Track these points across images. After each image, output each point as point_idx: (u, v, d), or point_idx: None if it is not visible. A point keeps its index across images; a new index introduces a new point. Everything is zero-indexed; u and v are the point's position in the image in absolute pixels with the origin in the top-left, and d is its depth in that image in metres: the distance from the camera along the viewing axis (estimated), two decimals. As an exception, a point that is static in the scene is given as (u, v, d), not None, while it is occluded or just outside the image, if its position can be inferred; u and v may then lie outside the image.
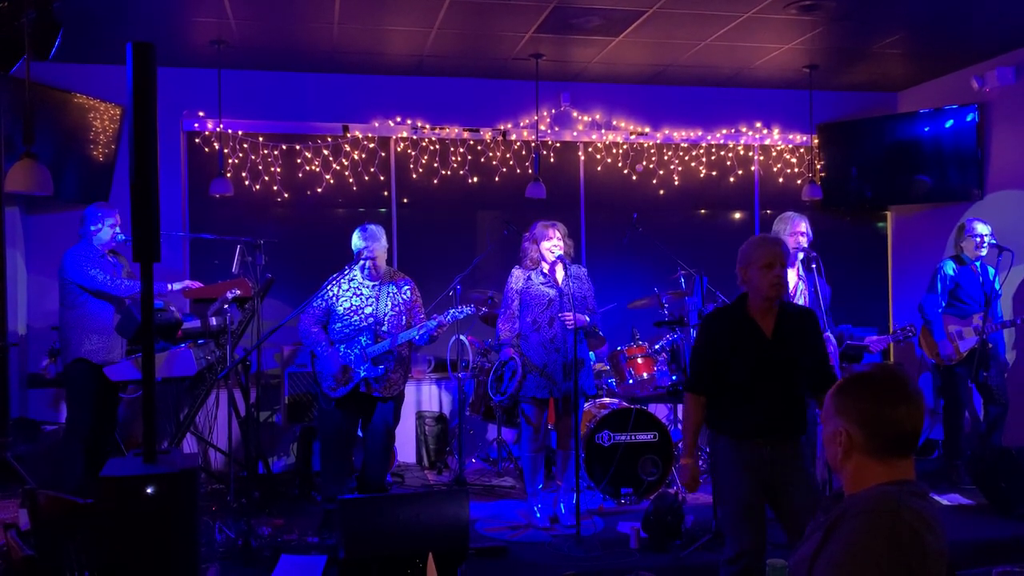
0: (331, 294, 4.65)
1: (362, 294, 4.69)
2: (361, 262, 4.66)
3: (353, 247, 4.73)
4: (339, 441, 4.72)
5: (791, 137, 7.29)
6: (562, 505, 4.88)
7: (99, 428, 4.91)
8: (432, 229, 6.82)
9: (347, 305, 4.66)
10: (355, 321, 4.64)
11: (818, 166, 7.23)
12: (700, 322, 3.37)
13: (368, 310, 4.67)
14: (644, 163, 7.10)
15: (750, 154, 7.30)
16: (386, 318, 4.68)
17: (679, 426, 6.21)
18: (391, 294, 4.74)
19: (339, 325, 4.67)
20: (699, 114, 7.16)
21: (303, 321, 4.68)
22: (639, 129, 7.07)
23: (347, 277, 4.70)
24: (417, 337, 4.64)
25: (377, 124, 6.67)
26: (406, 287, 4.81)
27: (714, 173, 7.22)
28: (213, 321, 5.06)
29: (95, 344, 4.85)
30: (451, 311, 4.69)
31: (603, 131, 7.02)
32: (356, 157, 6.63)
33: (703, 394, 3.30)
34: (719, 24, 5.55)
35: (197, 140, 6.45)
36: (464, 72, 6.66)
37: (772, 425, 3.23)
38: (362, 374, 4.58)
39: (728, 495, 3.24)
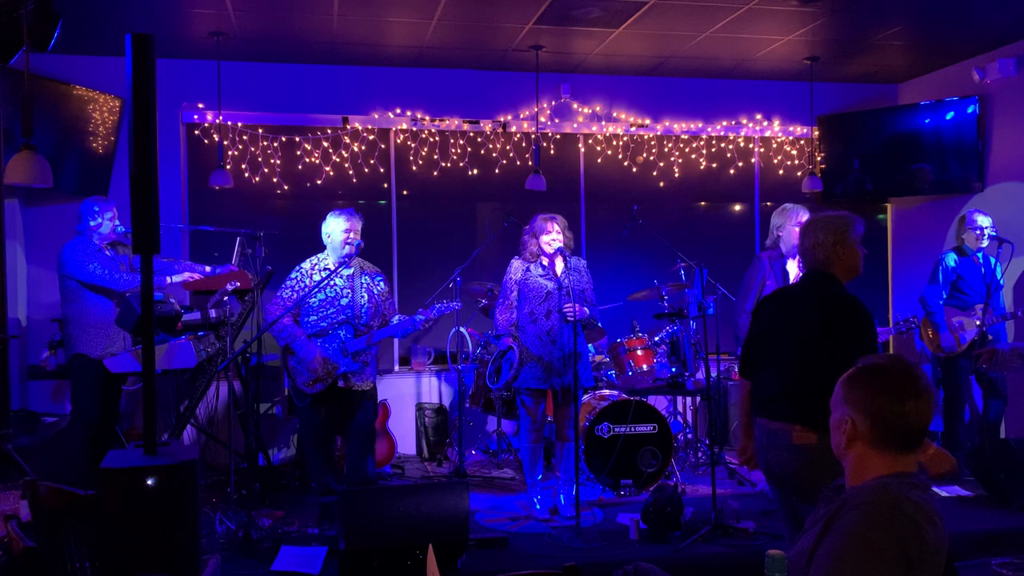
0: (304, 284, 4.47)
1: (335, 284, 4.50)
2: (349, 248, 4.47)
3: (336, 231, 4.50)
4: (321, 436, 4.63)
5: (791, 129, 7.27)
6: (562, 496, 4.89)
7: (103, 421, 4.92)
8: (432, 221, 6.81)
9: (321, 296, 4.47)
10: (331, 313, 4.47)
11: (818, 158, 7.22)
12: (859, 307, 2.98)
13: (344, 302, 4.49)
14: (644, 155, 7.09)
15: (750, 146, 7.29)
16: (363, 310, 4.52)
17: (678, 418, 6.23)
18: (366, 285, 4.58)
19: (314, 318, 4.48)
20: (699, 106, 7.14)
21: (271, 312, 4.48)
22: (639, 121, 7.06)
23: (319, 267, 4.53)
24: (400, 333, 4.57)
25: (377, 116, 6.65)
26: (379, 279, 4.68)
27: (714, 165, 7.21)
28: (213, 313, 5.05)
29: (93, 337, 4.85)
30: (436, 306, 4.57)
31: (603, 123, 7.00)
32: (356, 149, 6.62)
33: None
34: (719, 15, 5.54)
35: (196, 132, 6.43)
36: (464, 64, 6.65)
37: None
38: (341, 369, 4.48)
39: None
